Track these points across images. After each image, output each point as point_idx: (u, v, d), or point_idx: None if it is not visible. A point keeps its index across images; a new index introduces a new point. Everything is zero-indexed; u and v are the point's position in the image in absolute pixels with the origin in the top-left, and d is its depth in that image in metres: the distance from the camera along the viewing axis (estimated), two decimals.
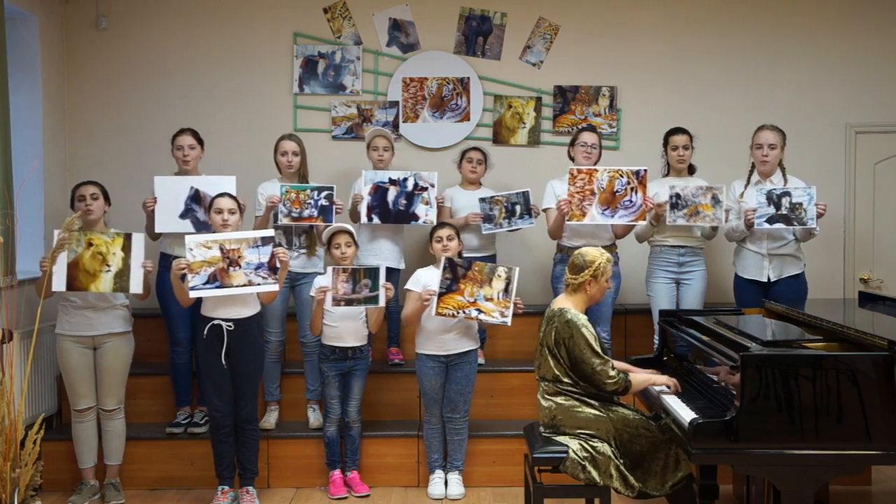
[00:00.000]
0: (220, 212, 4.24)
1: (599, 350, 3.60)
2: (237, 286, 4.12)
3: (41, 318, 4.22)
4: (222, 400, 4.26)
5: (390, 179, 4.81)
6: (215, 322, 4.20)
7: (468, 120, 5.68)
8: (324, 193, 4.67)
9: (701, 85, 5.70)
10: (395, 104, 5.66)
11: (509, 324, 4.30)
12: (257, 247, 4.13)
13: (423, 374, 4.48)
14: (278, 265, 4.16)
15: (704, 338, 3.80)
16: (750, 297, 4.75)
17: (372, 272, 4.34)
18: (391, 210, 4.82)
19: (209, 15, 5.66)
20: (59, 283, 4.17)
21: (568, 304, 3.71)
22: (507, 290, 4.26)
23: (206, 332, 4.22)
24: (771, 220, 4.59)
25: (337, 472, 4.58)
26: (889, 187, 5.70)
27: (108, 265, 4.22)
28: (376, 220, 4.82)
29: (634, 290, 5.30)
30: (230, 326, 4.20)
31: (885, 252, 5.71)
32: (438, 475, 4.55)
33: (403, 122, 5.67)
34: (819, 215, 4.58)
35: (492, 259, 5.13)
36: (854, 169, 5.70)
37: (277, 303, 4.76)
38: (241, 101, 5.66)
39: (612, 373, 3.59)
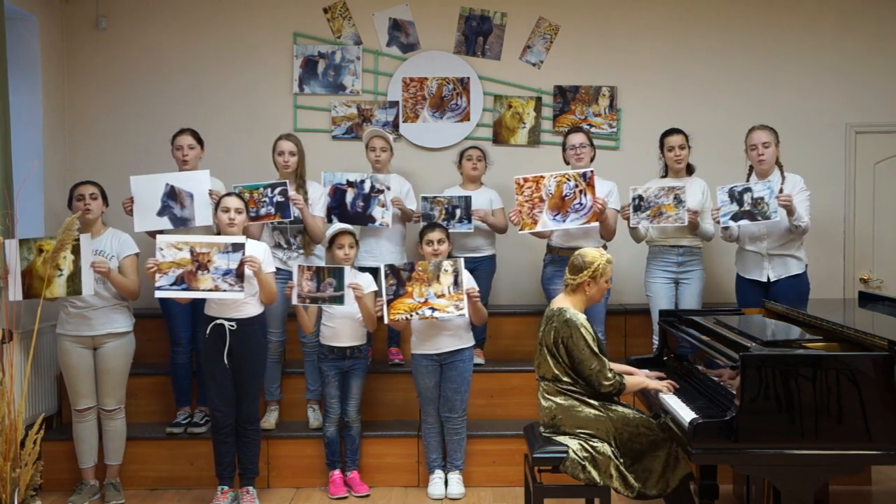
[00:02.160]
0: (226, 210, 4.24)
1: (598, 351, 3.60)
2: (203, 290, 4.12)
3: (41, 318, 4.22)
4: (224, 400, 4.26)
5: (348, 181, 4.84)
6: (218, 322, 4.21)
7: (468, 120, 5.68)
8: (277, 190, 4.64)
9: (701, 85, 5.70)
10: (395, 104, 5.66)
11: (466, 315, 4.28)
12: (227, 252, 4.11)
13: (417, 374, 4.49)
14: (248, 272, 4.12)
15: (704, 338, 3.80)
16: (751, 297, 4.76)
17: (336, 272, 4.34)
18: (349, 211, 4.84)
19: (209, 15, 5.66)
20: (15, 293, 4.15)
21: (567, 304, 3.71)
22: (456, 283, 4.25)
23: (208, 331, 4.22)
24: (735, 217, 4.60)
25: (337, 472, 4.58)
26: (889, 187, 5.70)
27: (59, 269, 4.18)
28: (335, 220, 4.83)
29: (634, 291, 5.30)
30: (233, 326, 4.20)
31: (885, 252, 5.71)
32: (438, 475, 4.55)
33: (403, 122, 5.67)
34: (786, 206, 4.52)
35: (490, 259, 5.13)
36: (854, 169, 5.70)
37: (277, 303, 4.76)
38: (241, 101, 5.67)
39: (610, 374, 3.60)
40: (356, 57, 5.66)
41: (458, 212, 4.93)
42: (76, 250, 4.18)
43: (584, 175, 4.62)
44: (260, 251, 4.27)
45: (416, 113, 5.67)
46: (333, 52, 5.66)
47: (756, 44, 5.69)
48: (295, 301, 4.34)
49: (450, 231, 4.82)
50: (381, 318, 4.36)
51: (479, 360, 4.99)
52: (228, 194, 4.33)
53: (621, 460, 3.55)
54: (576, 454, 3.52)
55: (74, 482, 4.53)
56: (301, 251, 4.78)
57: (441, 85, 5.67)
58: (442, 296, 4.25)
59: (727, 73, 5.69)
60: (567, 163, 4.91)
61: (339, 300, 4.33)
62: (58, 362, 4.58)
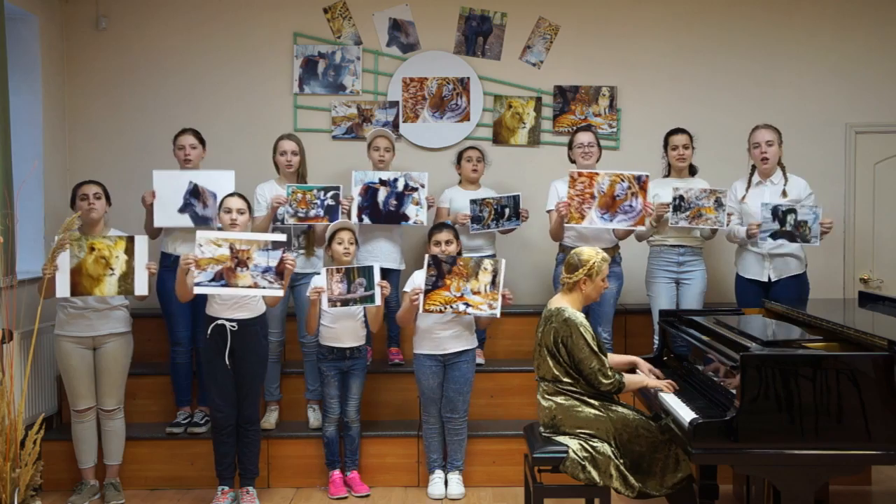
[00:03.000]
0: (228, 211, 4.24)
1: (598, 349, 3.61)
2: (242, 287, 4.13)
3: (41, 318, 4.22)
4: (224, 400, 4.26)
5: (380, 180, 4.82)
6: (219, 322, 4.21)
7: (468, 120, 5.68)
8: (330, 193, 4.68)
9: (701, 85, 5.70)
10: (395, 104, 5.66)
11: (498, 315, 4.29)
12: (267, 250, 4.13)
13: (420, 374, 4.48)
14: (288, 268, 4.15)
15: (704, 338, 3.80)
16: (751, 296, 4.76)
17: (366, 271, 4.34)
18: (381, 210, 4.82)
19: (209, 15, 5.66)
20: (62, 289, 4.17)
21: (565, 304, 3.71)
22: (493, 283, 4.26)
23: (209, 332, 4.22)
24: (774, 236, 4.62)
25: (337, 472, 4.58)
26: (889, 187, 5.70)
27: (111, 269, 4.21)
28: (367, 220, 4.82)
29: (634, 290, 5.30)
30: (234, 327, 4.20)
31: (885, 252, 5.71)
32: (438, 475, 4.55)
33: (403, 122, 5.67)
34: (823, 233, 4.59)
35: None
36: (854, 169, 5.70)
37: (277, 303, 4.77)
38: (241, 101, 5.67)
39: (609, 373, 3.60)
40: (356, 57, 5.66)
41: (507, 211, 4.95)
42: (129, 251, 4.22)
43: (638, 178, 4.62)
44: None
45: (416, 113, 5.67)
46: (333, 52, 5.66)
47: (756, 44, 5.69)
48: (325, 306, 4.32)
49: (500, 228, 4.89)
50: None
51: (479, 360, 4.98)
52: (231, 194, 4.33)
53: (621, 460, 3.55)
54: (576, 454, 3.52)
55: (74, 482, 4.53)
56: (302, 251, 4.78)
57: (441, 85, 5.67)
58: (478, 293, 4.26)
59: (727, 73, 5.69)
60: (573, 161, 4.91)
61: (370, 300, 4.33)
62: (57, 362, 4.57)
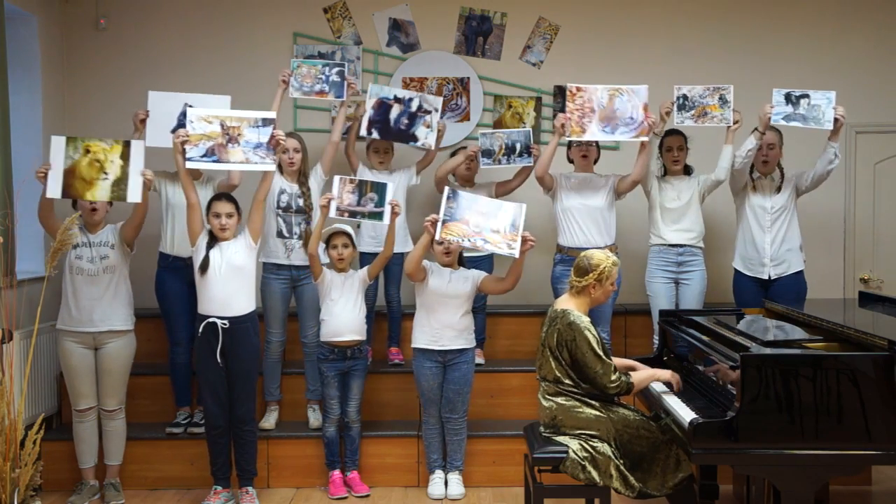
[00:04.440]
0: (217, 216, 4.24)
1: (602, 353, 3.59)
2: (234, 162, 4.17)
3: (41, 318, 4.22)
4: (215, 399, 4.27)
5: (395, 97, 4.82)
6: (210, 320, 4.20)
7: (468, 120, 5.67)
8: (335, 70, 4.70)
9: (701, 85, 5.68)
10: None
11: (517, 255, 4.15)
12: (258, 126, 4.18)
13: (420, 374, 4.48)
14: (281, 143, 4.23)
15: (704, 338, 3.80)
16: (750, 294, 4.77)
17: (379, 187, 4.36)
18: (392, 128, 4.83)
19: (209, 15, 5.66)
20: (53, 189, 4.09)
21: (571, 306, 3.70)
22: (514, 225, 4.15)
23: (201, 330, 4.22)
24: (788, 119, 4.61)
25: (337, 472, 4.58)
26: (889, 187, 5.70)
27: (105, 173, 4.14)
28: (375, 134, 4.81)
29: (634, 290, 5.29)
30: (225, 324, 4.20)
31: (885, 252, 5.71)
32: (438, 475, 4.56)
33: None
34: (837, 122, 4.54)
35: (490, 258, 5.11)
36: (854, 169, 5.70)
37: (278, 303, 4.77)
38: (241, 102, 5.59)
39: (615, 376, 3.59)
40: (356, 57, 5.66)
41: (517, 146, 4.92)
42: (125, 155, 4.16)
43: (637, 91, 4.62)
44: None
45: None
46: (333, 52, 5.66)
47: (756, 44, 5.69)
48: (333, 213, 4.32)
49: (511, 164, 4.91)
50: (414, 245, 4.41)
51: (478, 360, 4.99)
52: (218, 197, 4.31)
53: (621, 461, 3.55)
54: (576, 454, 3.52)
55: (74, 482, 4.53)
56: (302, 243, 4.75)
57: (441, 85, 5.67)
58: (497, 231, 4.15)
59: (727, 74, 5.64)
60: (571, 161, 4.94)
61: (378, 216, 4.35)
62: (58, 362, 4.58)
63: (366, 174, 4.89)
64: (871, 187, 5.71)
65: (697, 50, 5.69)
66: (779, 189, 4.78)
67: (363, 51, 5.68)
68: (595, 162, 4.92)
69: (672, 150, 4.89)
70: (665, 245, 4.89)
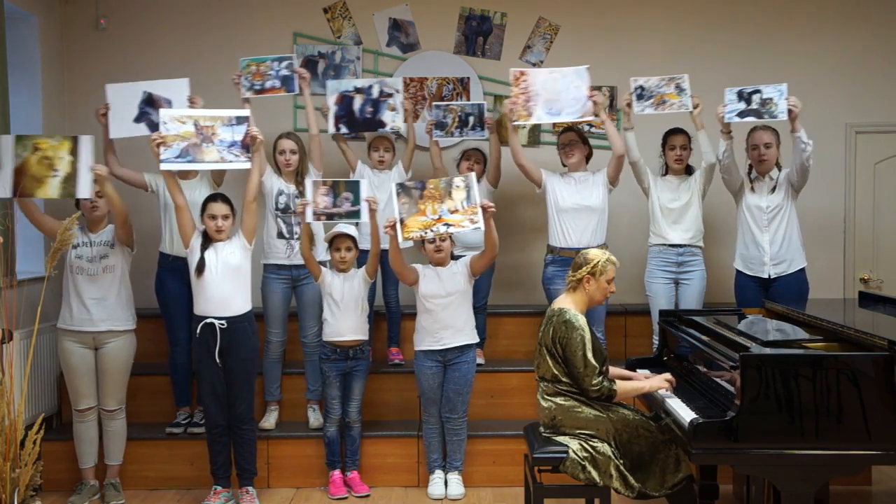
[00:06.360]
0: (213, 218, 4.23)
1: (592, 356, 3.57)
2: (209, 162, 4.16)
3: (41, 318, 4.22)
4: (214, 399, 4.27)
5: (355, 88, 4.84)
6: (208, 321, 4.20)
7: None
8: (284, 63, 4.70)
9: (701, 85, 5.65)
10: None
11: (482, 227, 4.18)
12: (231, 125, 4.16)
13: (420, 374, 4.48)
14: (258, 140, 4.20)
15: (704, 338, 3.80)
16: (750, 294, 4.76)
17: (353, 185, 4.34)
18: (358, 118, 4.84)
19: (209, 15, 5.66)
20: (3, 189, 4.07)
21: (568, 304, 3.70)
22: (469, 198, 4.17)
23: (198, 331, 4.22)
24: (742, 115, 4.63)
25: (337, 472, 4.58)
26: (889, 187, 5.70)
27: (55, 170, 4.10)
28: (344, 129, 4.82)
29: (634, 290, 5.30)
30: (223, 325, 4.20)
31: (885, 252, 5.71)
32: (438, 475, 4.56)
33: (404, 122, 5.64)
34: (791, 112, 4.54)
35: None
36: (854, 169, 5.70)
37: (279, 303, 4.77)
38: (241, 101, 5.64)
39: (596, 380, 3.57)
40: (356, 57, 5.66)
41: (471, 119, 4.93)
42: (74, 151, 4.12)
43: (578, 73, 4.67)
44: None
45: (416, 113, 5.65)
46: (333, 53, 5.66)
47: (756, 43, 5.69)
48: (309, 218, 4.31)
49: (464, 137, 4.93)
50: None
51: (478, 360, 4.98)
52: (213, 198, 4.30)
53: (621, 461, 3.55)
54: (576, 454, 3.52)
55: (74, 482, 4.53)
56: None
57: (441, 85, 5.67)
58: (455, 211, 4.16)
59: (727, 74, 5.64)
60: (564, 163, 4.95)
61: (355, 215, 4.33)
62: (58, 362, 4.58)
63: (366, 174, 4.89)
64: (871, 187, 5.71)
65: (697, 50, 5.69)
66: (774, 189, 4.78)
67: (363, 51, 5.68)
68: (587, 159, 4.93)
69: (676, 149, 4.89)
70: (665, 245, 4.89)
